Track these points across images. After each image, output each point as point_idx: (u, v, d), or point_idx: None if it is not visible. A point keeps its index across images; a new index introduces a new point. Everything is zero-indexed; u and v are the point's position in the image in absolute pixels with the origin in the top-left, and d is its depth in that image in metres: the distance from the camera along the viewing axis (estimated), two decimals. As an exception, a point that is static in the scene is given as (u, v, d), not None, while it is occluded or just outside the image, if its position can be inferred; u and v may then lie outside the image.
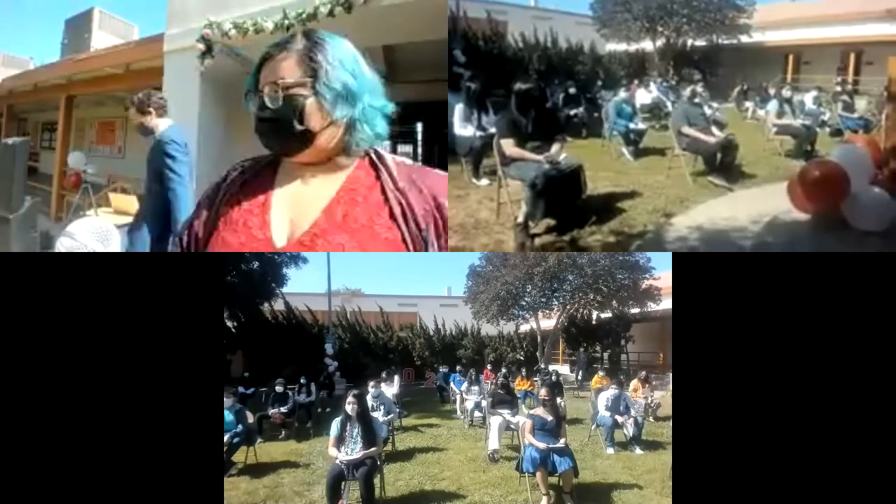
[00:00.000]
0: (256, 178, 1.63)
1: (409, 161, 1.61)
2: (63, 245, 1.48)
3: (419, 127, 12.47)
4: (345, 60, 1.55)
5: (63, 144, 11.54)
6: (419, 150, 12.71)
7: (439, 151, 10.47)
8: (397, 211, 1.48)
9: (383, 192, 1.52)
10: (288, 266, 14.44)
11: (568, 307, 14.41)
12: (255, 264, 13.62)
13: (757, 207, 5.26)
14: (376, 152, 1.59)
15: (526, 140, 4.49)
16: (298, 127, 1.51)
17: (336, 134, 1.55)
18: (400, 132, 12.91)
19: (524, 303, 14.30)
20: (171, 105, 4.27)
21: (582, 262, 12.88)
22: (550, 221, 4.59)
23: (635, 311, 14.41)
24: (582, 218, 4.84)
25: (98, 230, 1.50)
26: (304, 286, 18.15)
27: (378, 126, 1.59)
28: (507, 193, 4.69)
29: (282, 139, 1.54)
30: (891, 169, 4.92)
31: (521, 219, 4.50)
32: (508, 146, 4.48)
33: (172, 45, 7.32)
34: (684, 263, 2.15)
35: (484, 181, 5.99)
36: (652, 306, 13.83)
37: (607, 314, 14.90)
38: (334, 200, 1.52)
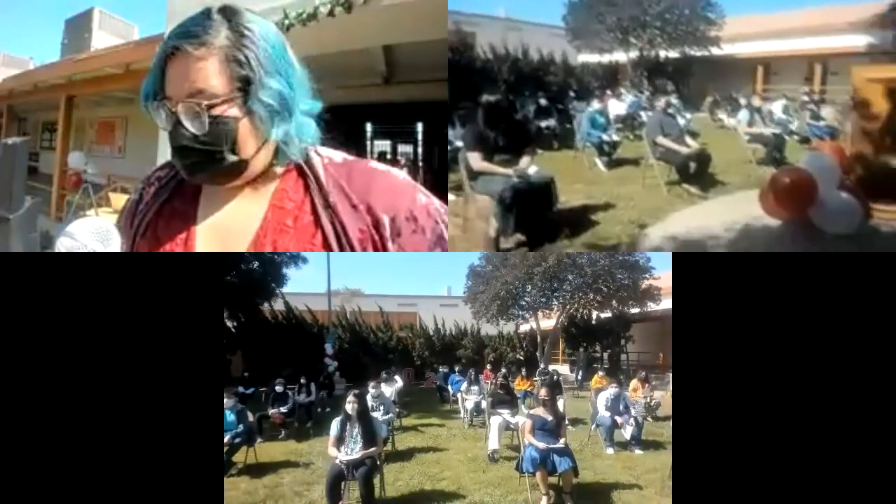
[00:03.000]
0: (176, 201, 1.37)
1: (337, 158, 1.36)
2: (63, 245, 1.47)
3: (419, 127, 12.47)
4: (276, 57, 1.25)
5: (63, 144, 11.53)
6: (419, 150, 12.70)
7: (439, 151, 10.48)
8: (331, 237, 1.25)
9: (314, 210, 1.28)
10: (288, 266, 14.47)
11: (568, 307, 14.41)
12: (255, 264, 13.63)
13: (730, 215, 5.32)
14: (304, 156, 1.33)
15: (494, 153, 4.38)
16: (231, 158, 1.23)
17: (269, 153, 1.29)
18: (400, 132, 12.93)
19: (524, 303, 14.32)
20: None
21: (582, 262, 12.89)
22: (521, 236, 4.50)
23: (635, 311, 14.42)
24: (554, 232, 4.75)
25: (98, 230, 1.49)
26: (304, 286, 18.21)
27: (309, 135, 1.33)
28: (475, 209, 4.58)
29: (210, 172, 1.25)
30: (857, 175, 5.06)
31: (492, 233, 4.39)
32: (476, 160, 4.37)
33: (172, 45, 7.32)
34: (684, 263, 2.15)
35: (450, 197, 5.87)
36: (652, 306, 13.83)
37: (607, 314, 14.91)
38: (261, 230, 1.29)
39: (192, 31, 1.19)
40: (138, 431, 1.97)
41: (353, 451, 3.87)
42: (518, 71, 12.16)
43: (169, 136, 1.24)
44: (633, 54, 13.80)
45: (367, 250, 1.26)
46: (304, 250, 1.31)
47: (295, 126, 1.28)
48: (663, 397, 7.90)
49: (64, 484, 1.95)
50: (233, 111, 1.21)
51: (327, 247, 1.25)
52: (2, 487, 1.93)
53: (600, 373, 9.67)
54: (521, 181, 4.25)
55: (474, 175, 4.42)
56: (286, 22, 5.39)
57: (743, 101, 9.74)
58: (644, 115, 9.85)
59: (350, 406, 3.98)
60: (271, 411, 7.15)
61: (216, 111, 1.19)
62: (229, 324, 13.63)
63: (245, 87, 1.21)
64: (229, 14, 1.23)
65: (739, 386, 2.01)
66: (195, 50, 1.18)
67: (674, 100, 7.71)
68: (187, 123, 1.19)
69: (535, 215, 4.38)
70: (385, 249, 1.27)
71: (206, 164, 1.23)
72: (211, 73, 1.19)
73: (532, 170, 4.41)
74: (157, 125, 1.24)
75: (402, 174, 1.38)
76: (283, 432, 7.03)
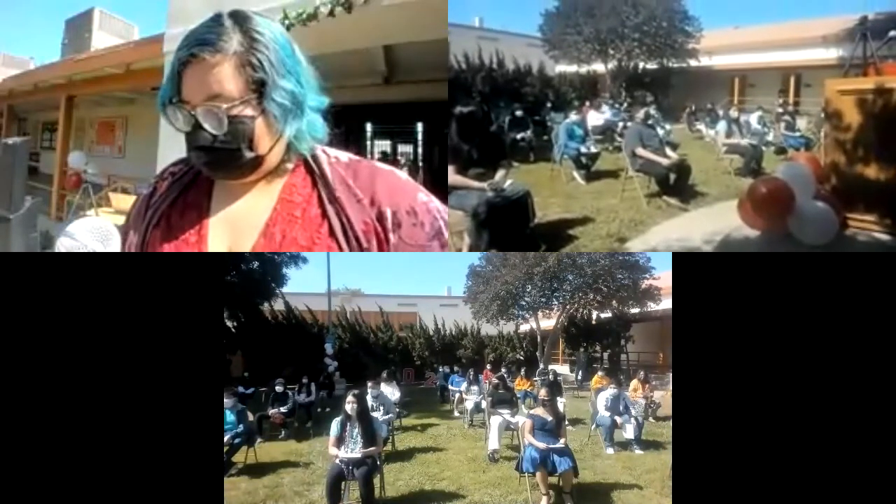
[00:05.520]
0: (190, 194, 1.43)
1: (343, 157, 1.43)
2: (63, 245, 1.47)
3: (419, 127, 12.47)
4: (286, 59, 1.31)
5: (63, 144, 11.54)
6: (419, 149, 12.70)
7: (439, 151, 10.49)
8: (337, 228, 1.32)
9: (321, 203, 1.35)
10: (288, 266, 14.47)
11: (568, 307, 14.41)
12: (255, 264, 13.63)
13: (710, 226, 5.28)
14: (312, 154, 1.40)
15: (468, 167, 4.25)
16: (248, 155, 1.30)
17: (281, 149, 1.36)
18: (400, 132, 12.93)
19: (524, 303, 14.31)
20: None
21: (582, 262, 12.88)
22: (497, 252, 4.43)
23: (635, 311, 14.42)
24: (531, 247, 4.63)
25: (98, 230, 1.49)
26: (304, 286, 18.19)
27: (319, 130, 1.40)
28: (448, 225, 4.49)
29: (228, 169, 1.33)
30: (831, 184, 5.06)
31: (465, 251, 4.29)
32: (449, 174, 4.25)
33: (172, 45, 7.31)
34: (684, 263, 2.15)
35: None
36: (652, 306, 13.83)
37: (607, 314, 14.91)
38: (271, 220, 1.35)
39: (205, 39, 1.24)
40: (138, 431, 1.97)
41: (353, 450, 3.87)
42: (493, 81, 11.89)
43: (187, 136, 1.30)
44: (612, 65, 13.64)
45: (371, 242, 1.32)
46: (310, 240, 1.34)
47: (306, 123, 1.35)
48: (663, 397, 7.90)
49: (64, 484, 1.95)
50: (249, 111, 1.27)
51: (333, 237, 1.32)
52: (2, 487, 1.93)
53: (600, 373, 9.66)
54: (495, 195, 4.11)
55: (447, 190, 4.28)
56: (286, 22, 5.39)
57: (721, 113, 9.75)
58: (622, 127, 9.69)
59: (350, 406, 3.98)
60: (271, 411, 7.15)
61: (233, 112, 1.26)
62: (229, 324, 13.62)
63: (259, 88, 1.27)
64: (240, 19, 1.28)
65: (739, 386, 2.01)
66: (211, 57, 1.23)
67: (653, 111, 7.62)
68: (206, 125, 1.26)
69: (511, 230, 4.24)
70: (387, 241, 1.33)
71: (225, 162, 1.30)
72: (227, 78, 1.24)
73: (507, 183, 4.26)
74: (176, 127, 1.30)
75: (404, 174, 1.45)
76: (283, 432, 7.03)
